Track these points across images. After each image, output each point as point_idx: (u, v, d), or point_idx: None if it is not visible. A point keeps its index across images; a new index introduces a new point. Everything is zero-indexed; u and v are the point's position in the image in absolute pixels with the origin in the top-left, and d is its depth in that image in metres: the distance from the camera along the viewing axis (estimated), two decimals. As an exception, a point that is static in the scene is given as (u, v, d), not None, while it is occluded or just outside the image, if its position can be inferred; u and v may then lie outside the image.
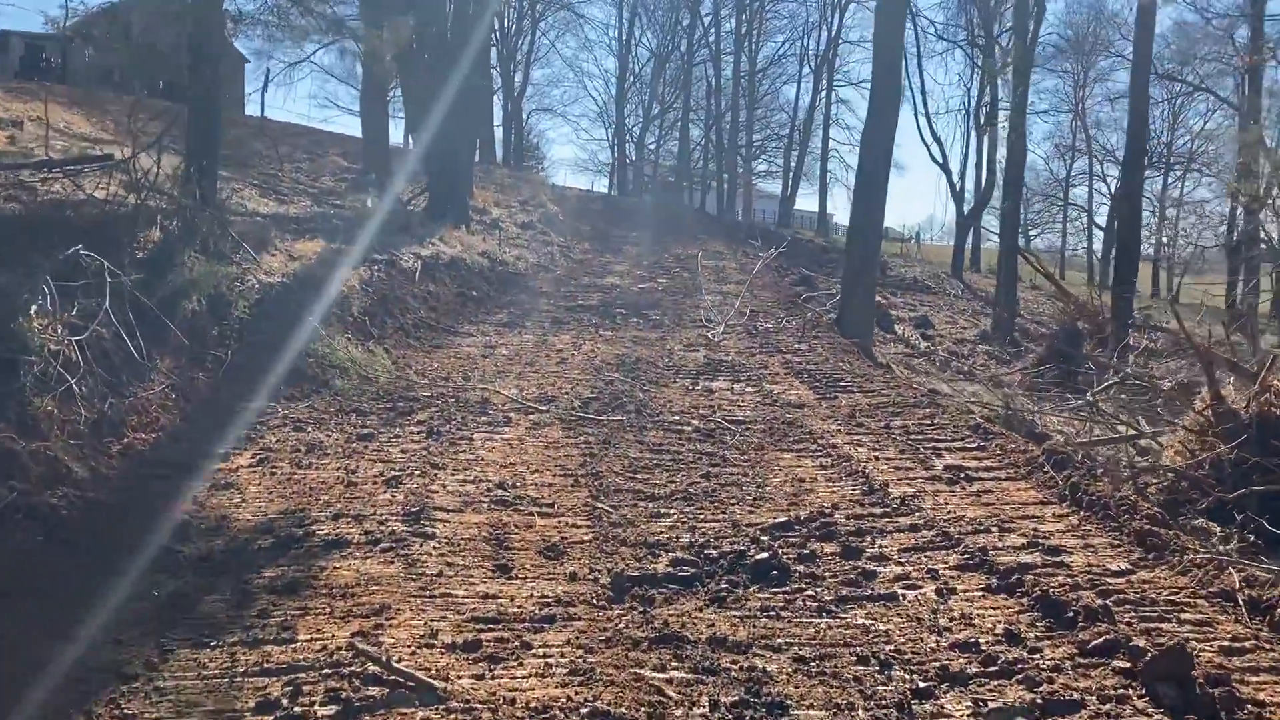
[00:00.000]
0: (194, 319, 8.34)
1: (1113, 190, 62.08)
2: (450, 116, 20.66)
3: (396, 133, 41.95)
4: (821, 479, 6.43)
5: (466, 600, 4.41)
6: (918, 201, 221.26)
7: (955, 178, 35.93)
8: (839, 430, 7.77)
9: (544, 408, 8.28)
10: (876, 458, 6.91)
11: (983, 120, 44.47)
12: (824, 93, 56.35)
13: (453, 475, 6.24)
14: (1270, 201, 22.95)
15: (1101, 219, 65.63)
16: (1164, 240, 65.36)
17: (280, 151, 33.69)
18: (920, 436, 7.56)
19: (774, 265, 30.19)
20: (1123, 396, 15.33)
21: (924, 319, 22.58)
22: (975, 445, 7.25)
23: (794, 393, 9.41)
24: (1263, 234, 25.75)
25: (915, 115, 32.58)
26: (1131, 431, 9.49)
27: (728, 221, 44.06)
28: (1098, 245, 64.21)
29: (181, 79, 11.21)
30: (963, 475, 6.45)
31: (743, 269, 26.20)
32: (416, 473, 6.20)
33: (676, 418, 8.15)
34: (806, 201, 65.28)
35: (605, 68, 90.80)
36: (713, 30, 58.22)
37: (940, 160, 33.34)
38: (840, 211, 59.29)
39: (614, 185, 64.64)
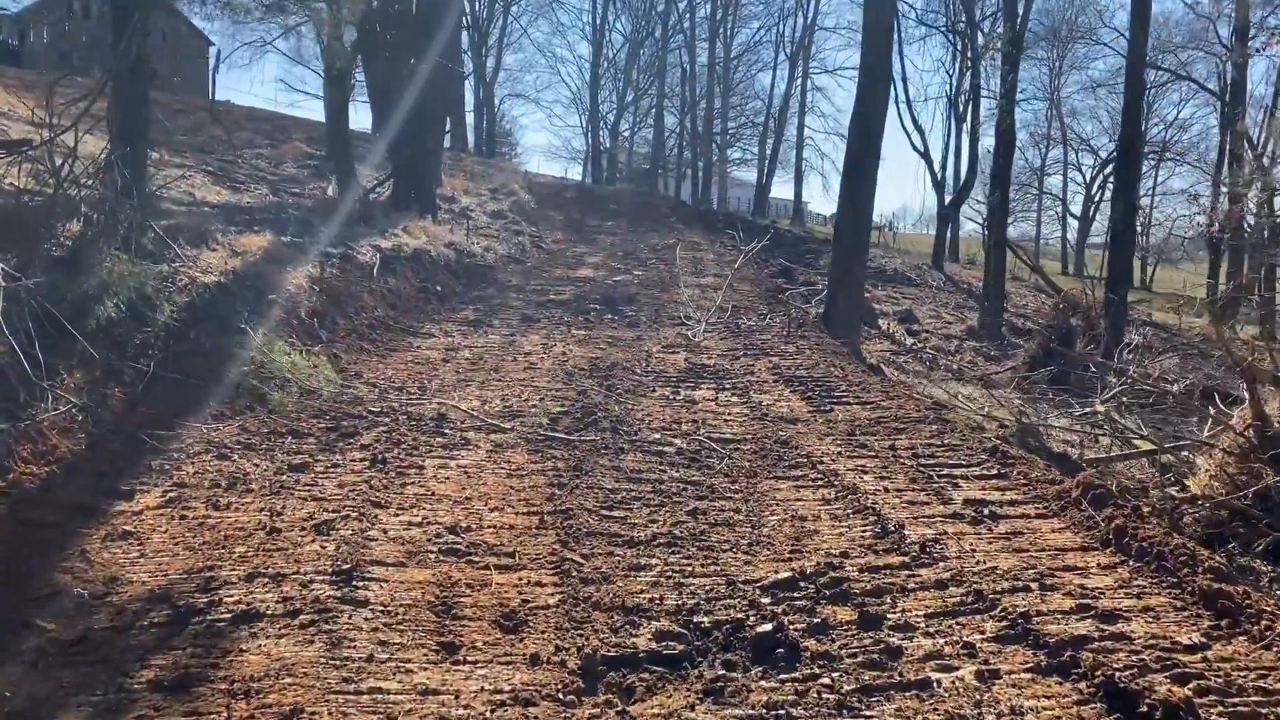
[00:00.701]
0: (111, 327, 7.35)
1: (1088, 179, 62.01)
2: (417, 100, 19.61)
3: (363, 118, 40.73)
4: (826, 517, 5.58)
5: (400, 698, 3.53)
6: (893, 191, 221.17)
7: (936, 167, 35.25)
8: (839, 453, 6.93)
9: (508, 425, 7.38)
10: (886, 489, 6.08)
11: (962, 108, 43.90)
12: (799, 80, 55.76)
13: (396, 516, 5.33)
14: (1256, 190, 22.42)
15: (1076, 208, 65.59)
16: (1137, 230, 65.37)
17: (241, 137, 32.56)
18: (931, 461, 6.74)
19: (753, 256, 29.42)
20: (1124, 399, 14.66)
21: (909, 313, 21.85)
22: (995, 473, 6.43)
23: (785, 404, 8.56)
24: (1246, 223, 25.26)
25: (896, 103, 31.72)
26: (1148, 446, 8.75)
27: (704, 211, 43.21)
28: (1072, 235, 64.12)
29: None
30: (986, 512, 5.63)
31: (721, 260, 25.36)
32: (353, 514, 5.28)
33: (657, 436, 7.28)
34: (781, 189, 64.64)
35: (579, 53, 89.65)
36: (688, 16, 57.28)
37: (921, 149, 32.65)
38: (815, 200, 58.79)
39: (588, 173, 63.65)
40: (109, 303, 7.47)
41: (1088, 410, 10.64)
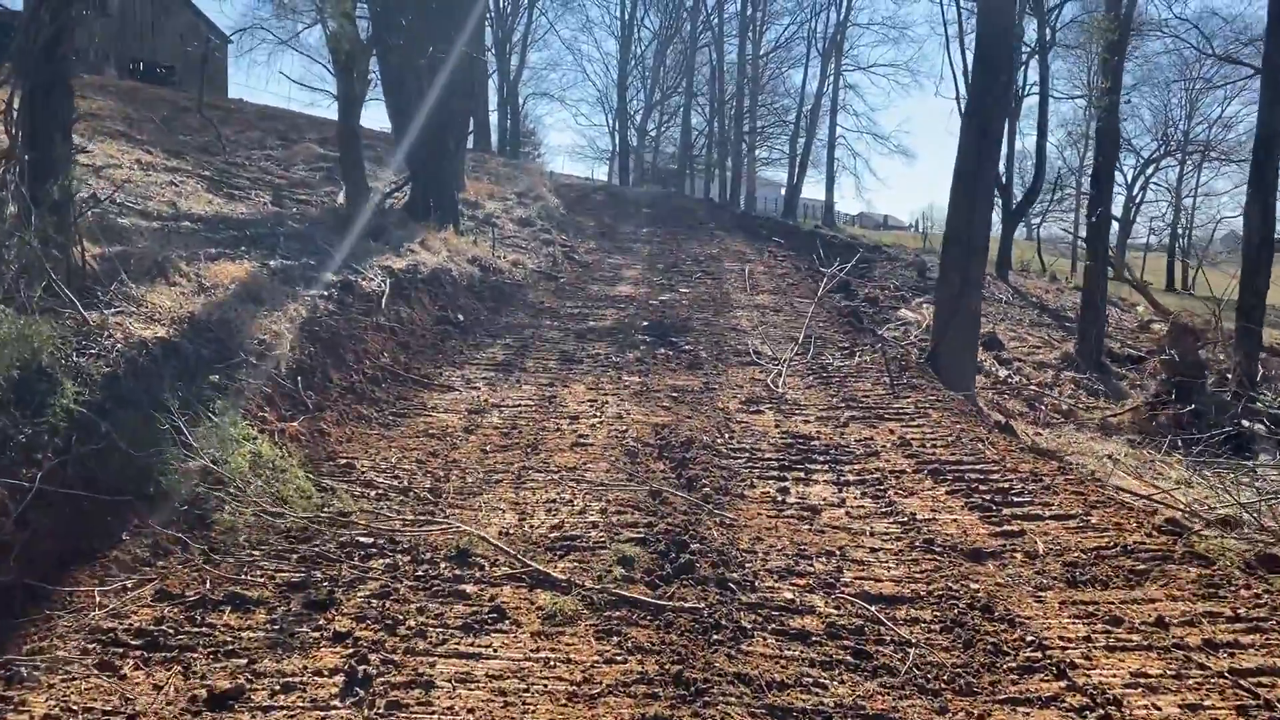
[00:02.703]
0: (-22, 420, 4.99)
1: (1129, 180, 58.92)
2: (437, 95, 17.24)
3: (381, 116, 38.35)
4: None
5: None
6: (921, 192, 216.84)
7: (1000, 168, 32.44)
8: (1085, 637, 4.41)
9: (560, 571, 4.93)
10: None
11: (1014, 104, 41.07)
12: (832, 77, 53.21)
13: None
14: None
15: (1116, 209, 62.40)
16: (1178, 231, 62.25)
17: (250, 137, 30.46)
18: (1229, 652, 4.22)
19: (797, 265, 26.87)
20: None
21: (992, 338, 19.25)
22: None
23: (949, 517, 6.06)
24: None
25: (957, 100, 29.01)
26: None
27: (742, 215, 40.69)
28: (1111, 238, 61.14)
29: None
30: None
31: (774, 274, 22.84)
32: None
33: (788, 595, 4.81)
34: (809, 189, 62.01)
35: (606, 50, 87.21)
36: (716, 13, 54.86)
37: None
38: (844, 200, 56.57)
39: (614, 173, 61.37)
40: (-20, 384, 5.10)
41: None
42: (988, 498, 6.38)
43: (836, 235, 36.59)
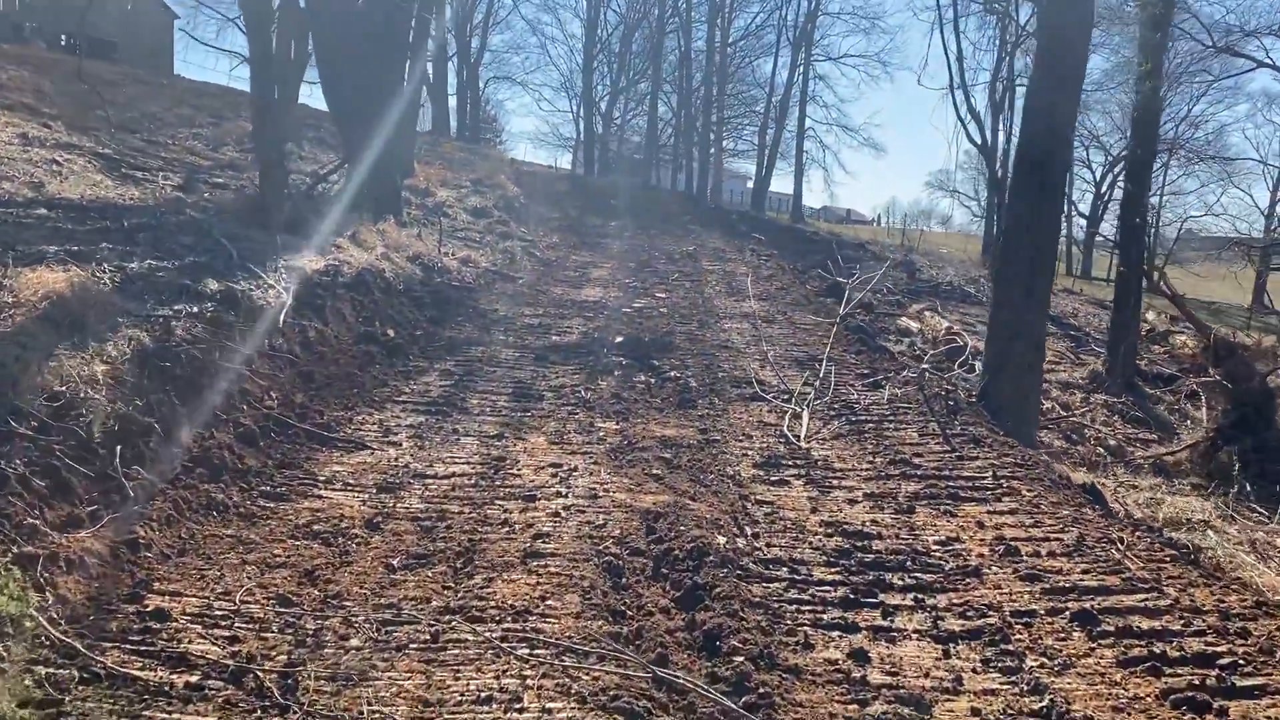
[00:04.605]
0: None
1: (1097, 178, 57.45)
2: (369, 58, 14.59)
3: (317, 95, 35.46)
4: None
5: None
6: (885, 185, 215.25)
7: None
8: None
9: None
10: None
11: (999, 96, 39.07)
12: (802, 68, 51.06)
13: None
14: None
15: (1084, 207, 60.95)
16: (1148, 231, 60.97)
17: (179, 114, 27.49)
18: None
19: (780, 262, 24.51)
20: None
21: (1007, 350, 16.95)
22: None
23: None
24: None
25: (951, 89, 26.79)
26: None
27: (717, 209, 38.28)
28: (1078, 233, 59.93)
29: None
30: None
31: (759, 276, 20.43)
32: None
33: None
34: (776, 183, 59.86)
35: (571, 32, 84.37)
36: (684, -3, 52.36)
37: (978, 141, 27.73)
38: (810, 194, 54.74)
39: (578, 162, 58.72)
40: None
41: None
42: (1188, 675, 3.97)
43: (816, 232, 34.37)
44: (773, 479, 6.65)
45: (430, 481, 6.15)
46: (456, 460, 6.65)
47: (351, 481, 6.06)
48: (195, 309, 7.45)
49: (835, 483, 6.61)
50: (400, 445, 6.92)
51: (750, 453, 7.34)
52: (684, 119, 56.45)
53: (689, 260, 22.11)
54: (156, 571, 4.51)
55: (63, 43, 41.88)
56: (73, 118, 17.45)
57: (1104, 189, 57.85)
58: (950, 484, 6.57)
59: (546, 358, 10.59)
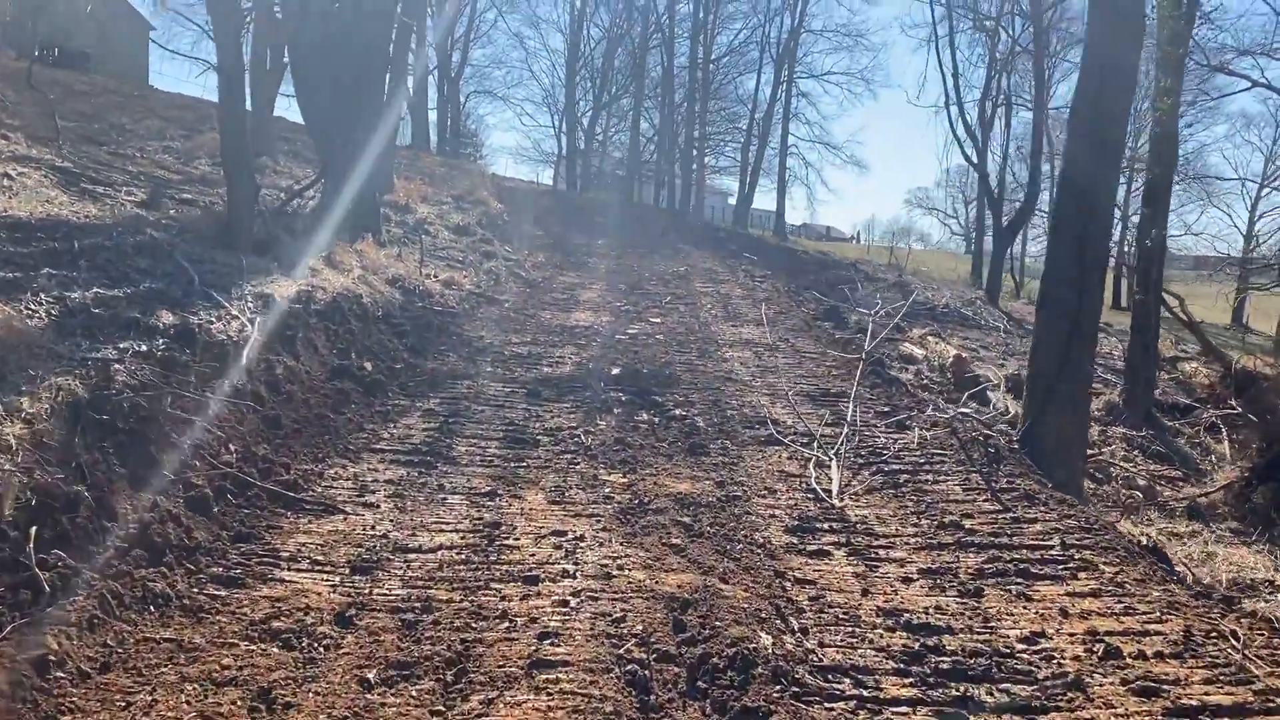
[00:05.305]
0: None
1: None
2: (347, 69, 13.70)
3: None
4: None
5: None
6: (864, 201, 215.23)
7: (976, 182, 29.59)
8: None
9: None
10: None
11: (990, 112, 38.61)
12: (785, 85, 50.62)
13: None
14: None
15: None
16: (1125, 248, 60.93)
17: (150, 126, 26.49)
18: None
19: (771, 281, 23.73)
20: None
21: (1016, 379, 16.21)
22: None
23: None
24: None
25: (947, 106, 26.19)
26: None
27: (705, 225, 37.55)
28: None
29: None
30: None
31: (754, 298, 19.61)
32: None
33: None
34: (761, 200, 59.34)
35: (553, 46, 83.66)
36: (667, 14, 51.89)
37: (974, 159, 27.08)
38: (792, 211, 54.29)
39: (559, 177, 57.91)
40: None
41: None
42: None
43: (807, 251, 33.68)
44: (809, 548, 5.77)
45: (413, 557, 5.22)
46: (444, 526, 5.73)
47: (320, 558, 5.12)
48: (144, 347, 6.50)
49: (881, 553, 5.74)
50: (378, 507, 5.99)
51: (778, 512, 6.46)
52: (667, 135, 55.86)
53: (681, 281, 21.27)
54: (69, 698, 3.57)
55: (35, 53, 40.74)
56: (35, 129, 16.43)
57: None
58: (1015, 555, 5.71)
59: (539, 393, 9.69)
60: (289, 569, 4.96)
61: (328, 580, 4.85)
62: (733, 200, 60.77)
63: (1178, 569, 6.80)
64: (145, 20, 47.04)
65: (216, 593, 4.61)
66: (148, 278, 8.74)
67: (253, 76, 24.54)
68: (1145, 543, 6.95)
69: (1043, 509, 6.64)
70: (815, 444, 8.16)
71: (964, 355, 15.93)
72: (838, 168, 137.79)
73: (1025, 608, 4.98)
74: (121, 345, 6.41)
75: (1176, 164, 16.18)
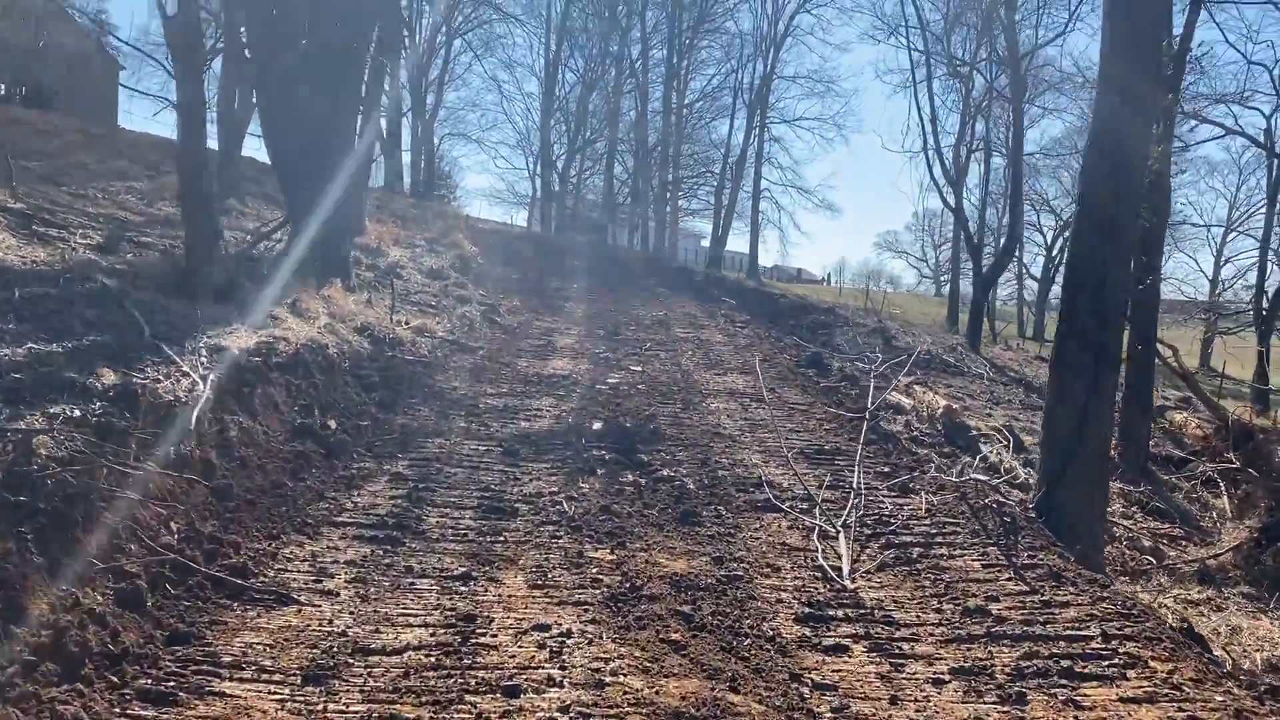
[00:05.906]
0: None
1: (1049, 240, 57.90)
2: (317, 107, 13.13)
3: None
4: None
5: None
6: (835, 243, 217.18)
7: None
8: None
9: None
10: None
11: (964, 157, 38.77)
12: (758, 130, 50.87)
13: None
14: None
15: (1036, 270, 61.24)
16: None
17: (114, 167, 25.87)
18: None
19: (765, 336, 23.22)
20: None
21: (1009, 430, 15.75)
22: None
23: None
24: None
25: (925, 150, 26.06)
26: None
27: (681, 269, 37.18)
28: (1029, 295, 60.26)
29: None
30: None
31: (735, 344, 19.11)
32: None
33: None
34: (734, 242, 59.22)
35: (527, 90, 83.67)
36: (641, 60, 52.13)
37: (953, 205, 26.92)
38: (765, 254, 54.47)
39: (533, 219, 57.57)
40: None
41: None
42: None
43: (784, 294, 33.34)
44: (825, 642, 5.14)
45: (375, 661, 4.54)
46: (411, 620, 5.05)
47: (268, 663, 4.43)
48: (78, 412, 5.81)
49: (905, 647, 5.12)
50: (337, 595, 5.29)
51: (784, 595, 5.83)
52: (642, 178, 55.76)
53: (660, 327, 20.74)
54: None
55: (1, 91, 39.92)
56: (-8, 170, 15.72)
57: (1055, 252, 58.20)
58: (1053, 650, 5.11)
59: (517, 452, 9.04)
60: (230, 679, 4.26)
61: (275, 694, 4.16)
62: (705, 242, 60.70)
63: (1216, 654, 6.24)
64: (115, 60, 46.39)
65: (142, 713, 3.91)
66: (93, 330, 8.06)
67: (221, 116, 23.98)
68: (1184, 627, 6.39)
69: (1072, 590, 6.06)
70: (817, 510, 7.56)
71: (954, 406, 15.44)
72: (810, 211, 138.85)
73: (1077, 718, 4.37)
74: (52, 411, 5.72)
75: (1170, 213, 15.92)
